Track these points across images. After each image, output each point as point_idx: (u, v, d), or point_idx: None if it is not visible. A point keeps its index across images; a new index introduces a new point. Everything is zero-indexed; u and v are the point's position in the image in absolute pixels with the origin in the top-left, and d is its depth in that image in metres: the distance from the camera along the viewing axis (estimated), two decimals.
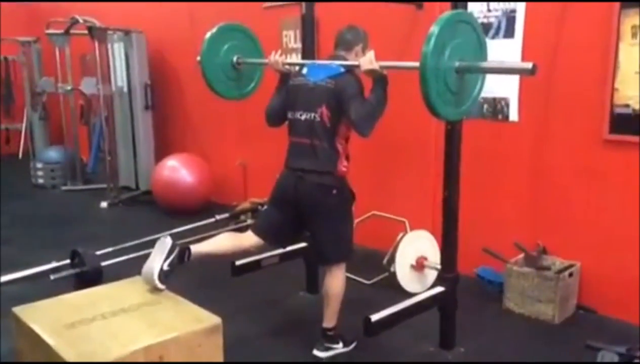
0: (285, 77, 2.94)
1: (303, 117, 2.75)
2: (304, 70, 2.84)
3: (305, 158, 2.74)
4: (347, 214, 2.84)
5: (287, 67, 2.96)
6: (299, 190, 2.74)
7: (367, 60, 2.56)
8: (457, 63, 2.22)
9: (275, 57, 2.96)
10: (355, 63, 2.65)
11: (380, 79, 2.59)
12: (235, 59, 3.23)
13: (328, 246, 2.82)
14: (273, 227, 2.89)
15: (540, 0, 3.31)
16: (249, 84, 3.36)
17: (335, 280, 2.80)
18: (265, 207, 2.92)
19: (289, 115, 2.83)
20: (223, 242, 2.85)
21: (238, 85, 3.32)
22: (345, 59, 2.76)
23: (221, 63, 3.21)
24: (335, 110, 2.67)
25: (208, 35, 3.18)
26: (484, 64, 2.29)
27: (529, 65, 2.13)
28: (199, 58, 3.17)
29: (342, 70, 2.70)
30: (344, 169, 2.74)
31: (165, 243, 2.61)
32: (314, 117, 2.71)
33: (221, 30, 3.22)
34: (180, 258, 2.63)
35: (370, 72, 2.57)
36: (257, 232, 2.88)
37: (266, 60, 3.07)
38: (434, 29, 2.14)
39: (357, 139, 2.76)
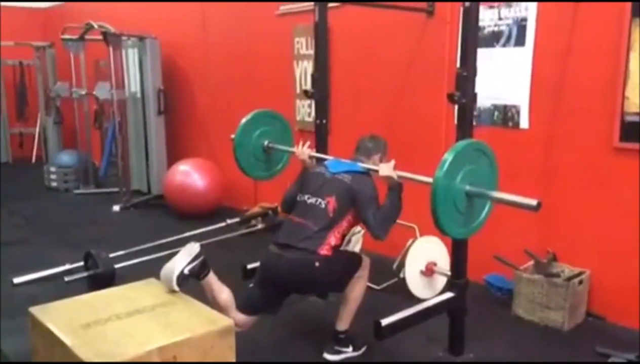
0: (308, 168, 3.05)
1: (309, 201, 2.80)
2: (325, 162, 2.97)
3: (292, 235, 2.75)
4: (338, 264, 2.77)
5: (311, 159, 3.08)
6: (279, 268, 2.73)
7: (387, 167, 2.68)
8: (467, 188, 2.32)
9: (302, 149, 3.09)
10: (375, 167, 2.78)
11: (395, 187, 2.68)
12: (265, 143, 3.38)
13: (332, 289, 2.88)
14: (260, 305, 2.80)
15: (552, 0, 3.33)
16: (275, 166, 3.52)
17: (356, 284, 2.82)
18: (251, 285, 2.87)
19: (298, 197, 2.88)
20: (222, 296, 2.73)
21: (266, 166, 3.48)
22: None
23: (252, 146, 3.37)
24: (344, 205, 2.73)
25: (243, 120, 3.36)
26: (492, 193, 2.36)
27: (533, 202, 2.21)
28: (233, 136, 3.32)
29: (361, 169, 2.81)
30: (324, 252, 2.68)
31: (193, 248, 2.65)
32: (320, 203, 2.76)
33: (255, 116, 3.38)
34: (201, 269, 2.65)
35: (387, 179, 2.68)
36: (245, 312, 2.76)
37: (293, 149, 3.19)
38: (448, 156, 2.26)
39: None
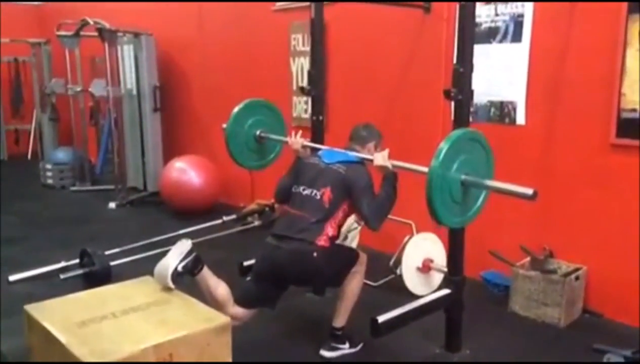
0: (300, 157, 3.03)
1: (305, 192, 2.80)
2: (319, 152, 2.95)
3: (290, 226, 2.75)
4: (335, 256, 2.77)
5: (304, 149, 3.05)
6: (277, 259, 2.72)
7: (381, 157, 2.67)
8: (463, 177, 2.32)
9: (296, 138, 3.07)
10: (370, 157, 2.76)
11: (390, 176, 2.67)
12: (258, 132, 3.36)
13: (330, 283, 2.86)
14: (258, 299, 2.81)
15: (548, 0, 3.32)
16: (268, 156, 3.49)
17: (353, 279, 2.82)
18: (249, 278, 2.87)
19: (293, 188, 2.87)
20: (219, 290, 2.72)
21: (258, 156, 3.46)
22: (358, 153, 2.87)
23: (244, 136, 3.34)
24: (339, 195, 2.72)
25: (235, 109, 3.32)
26: (488, 182, 2.35)
27: (529, 191, 2.21)
28: (224, 125, 3.29)
29: (355, 159, 2.79)
30: (322, 243, 2.68)
31: (184, 244, 2.64)
32: (315, 194, 2.76)
33: (247, 106, 3.35)
34: (194, 265, 2.64)
35: (382, 168, 2.67)
36: (243, 306, 2.76)
37: (286, 139, 3.17)
38: (444, 145, 2.24)
39: None
